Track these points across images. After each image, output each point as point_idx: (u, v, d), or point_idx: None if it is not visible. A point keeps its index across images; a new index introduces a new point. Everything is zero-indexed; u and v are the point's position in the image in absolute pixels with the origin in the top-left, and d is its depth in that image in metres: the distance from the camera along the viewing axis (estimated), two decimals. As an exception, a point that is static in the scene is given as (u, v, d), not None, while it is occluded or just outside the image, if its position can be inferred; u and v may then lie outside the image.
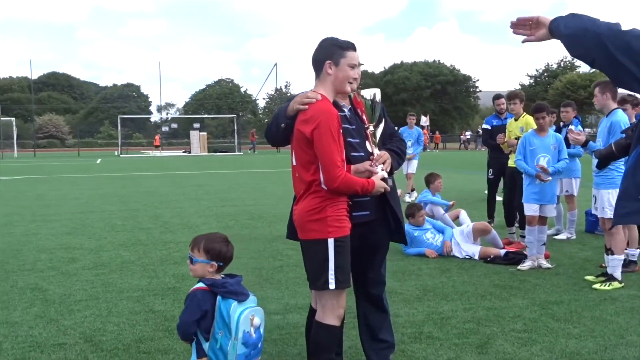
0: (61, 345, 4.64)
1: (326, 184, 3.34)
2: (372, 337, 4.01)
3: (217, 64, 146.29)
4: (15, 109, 79.80)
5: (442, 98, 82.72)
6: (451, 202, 9.63)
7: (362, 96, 3.65)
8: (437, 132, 64.40)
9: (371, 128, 3.69)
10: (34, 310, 5.55)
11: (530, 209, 7.01)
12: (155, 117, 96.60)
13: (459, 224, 8.75)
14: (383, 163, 3.62)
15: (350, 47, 3.48)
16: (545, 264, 7.03)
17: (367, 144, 3.70)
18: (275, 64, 59.94)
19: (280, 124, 3.52)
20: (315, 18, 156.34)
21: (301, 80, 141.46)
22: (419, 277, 6.72)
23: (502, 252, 7.49)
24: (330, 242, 3.36)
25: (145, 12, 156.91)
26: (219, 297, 3.37)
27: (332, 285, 3.37)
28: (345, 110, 3.72)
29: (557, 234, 9.22)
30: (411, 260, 7.55)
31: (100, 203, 14.00)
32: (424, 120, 55.94)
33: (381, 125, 3.76)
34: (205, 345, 3.39)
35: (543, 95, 65.42)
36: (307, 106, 3.39)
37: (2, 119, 51.23)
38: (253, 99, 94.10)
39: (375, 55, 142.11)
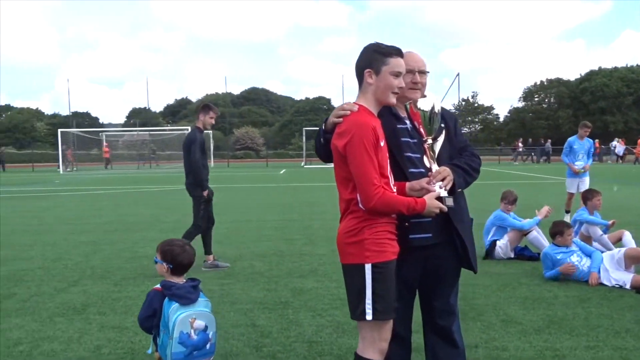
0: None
1: (362, 204, 3.04)
2: (440, 374, 3.60)
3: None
4: (220, 122, 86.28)
5: (648, 106, 75.48)
6: (611, 222, 8.59)
7: (419, 107, 3.29)
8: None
9: (429, 141, 3.31)
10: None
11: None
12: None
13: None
14: (442, 180, 3.24)
15: (394, 53, 3.15)
16: None
17: (425, 159, 3.33)
18: (458, 74, 58.09)
19: (321, 138, 3.28)
20: (509, 23, 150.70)
21: (491, 90, 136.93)
22: (551, 305, 6.02)
23: (659, 282, 6.50)
24: (368, 267, 3.04)
25: (340, 28, 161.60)
26: (166, 299, 3.65)
27: (369, 316, 3.05)
28: (407, 122, 3.40)
29: None
30: (550, 285, 6.82)
31: (260, 212, 14.48)
32: (618, 147, 51.32)
33: (441, 139, 3.36)
34: (157, 341, 3.70)
35: None
36: (341, 119, 3.12)
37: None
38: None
39: (572, 62, 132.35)
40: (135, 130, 62.96)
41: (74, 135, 51.11)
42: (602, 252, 7.39)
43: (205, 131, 8.16)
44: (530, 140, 60.65)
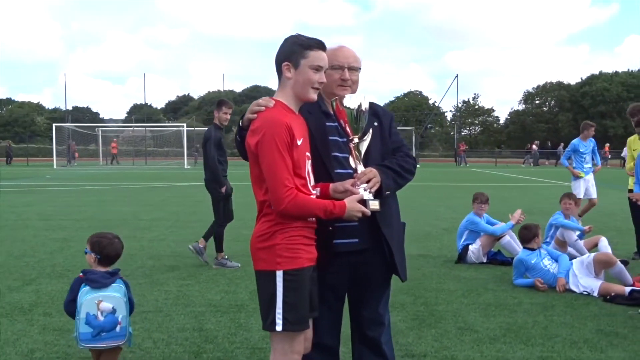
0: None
1: (273, 206, 2.85)
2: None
3: (411, 76, 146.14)
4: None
5: (649, 110, 74.95)
6: (587, 227, 8.39)
7: (345, 105, 3.09)
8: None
9: (355, 140, 3.12)
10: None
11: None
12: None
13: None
14: (368, 182, 3.05)
15: (314, 45, 2.95)
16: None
17: (351, 159, 3.14)
18: (457, 76, 58.03)
19: (237, 136, 3.09)
20: (514, 26, 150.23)
21: (492, 92, 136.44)
22: (512, 313, 5.83)
23: (628, 289, 6.29)
24: (279, 275, 2.85)
25: (346, 27, 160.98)
26: (83, 283, 3.85)
27: (279, 327, 2.86)
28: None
29: None
30: (516, 292, 6.63)
31: (244, 212, 14.23)
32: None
33: (368, 138, 3.17)
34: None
35: None
36: (256, 115, 2.93)
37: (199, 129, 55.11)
38: (442, 111, 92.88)
39: (575, 66, 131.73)
40: (131, 126, 62.74)
41: (69, 130, 50.94)
42: (575, 257, 7.20)
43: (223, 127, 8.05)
44: (549, 143, 59.89)
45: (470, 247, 8.12)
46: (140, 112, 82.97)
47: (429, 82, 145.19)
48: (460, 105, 79.89)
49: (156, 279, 7.20)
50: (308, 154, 3.02)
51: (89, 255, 4.04)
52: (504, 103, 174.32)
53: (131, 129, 61.78)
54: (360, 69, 3.31)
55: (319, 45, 2.96)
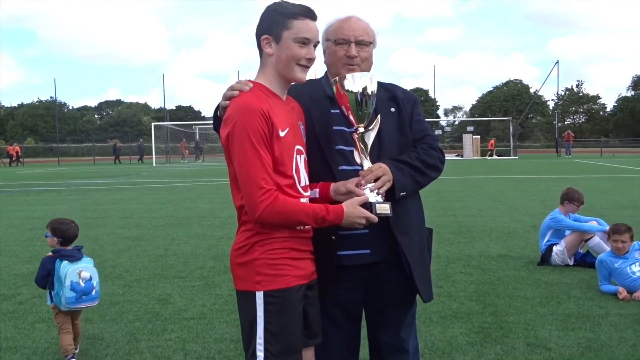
0: None
1: (248, 213, 2.35)
2: None
3: (512, 65, 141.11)
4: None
5: None
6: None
7: (346, 88, 2.54)
8: None
9: (360, 130, 2.56)
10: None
11: None
12: (442, 121, 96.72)
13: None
14: (375, 181, 2.49)
15: (299, 13, 2.41)
16: None
17: (356, 153, 2.59)
18: (557, 62, 54.70)
19: (215, 128, 2.59)
20: (622, 9, 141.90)
21: (598, 79, 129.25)
22: (596, 326, 5.05)
23: None
24: (259, 296, 2.35)
25: (444, 18, 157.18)
26: (57, 260, 4.53)
27: (259, 359, 2.35)
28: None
29: None
30: (604, 300, 5.80)
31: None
32: None
33: (376, 127, 2.60)
34: (52, 294, 4.58)
35: None
36: (229, 101, 2.42)
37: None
38: (543, 100, 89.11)
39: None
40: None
41: (167, 129, 52.47)
42: None
43: None
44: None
45: (555, 247, 7.28)
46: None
47: (531, 70, 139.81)
48: (562, 93, 76.07)
49: (211, 281, 6.87)
50: (300, 147, 2.49)
51: (50, 239, 4.70)
52: (611, 90, 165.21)
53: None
54: (372, 43, 2.74)
55: (306, 12, 2.43)
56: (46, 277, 4.57)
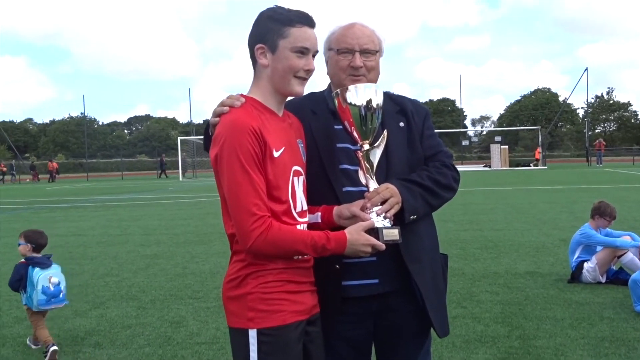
0: None
1: (240, 242, 2.13)
2: None
3: (541, 73, 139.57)
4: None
5: None
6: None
7: (348, 101, 2.31)
8: None
9: (365, 147, 2.33)
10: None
11: None
12: (470, 131, 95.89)
13: None
14: (382, 203, 2.25)
15: (296, 20, 2.20)
16: None
17: (360, 173, 2.36)
18: (586, 69, 53.93)
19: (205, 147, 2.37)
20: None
21: (630, 86, 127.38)
22: (632, 351, 4.74)
23: None
24: (252, 334, 2.13)
25: (471, 27, 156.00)
26: (30, 266, 5.16)
27: None
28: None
29: None
30: (639, 322, 5.46)
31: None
32: None
33: (382, 144, 2.36)
34: (25, 296, 5.20)
35: None
36: (218, 118, 2.21)
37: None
38: (572, 108, 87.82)
39: None
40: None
41: (194, 144, 52.72)
42: None
43: None
44: None
45: (585, 264, 6.93)
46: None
47: (561, 78, 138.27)
48: (592, 100, 74.95)
49: (227, 301, 6.65)
50: (297, 167, 2.27)
51: (23, 246, 5.31)
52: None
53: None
54: (378, 51, 2.51)
55: (304, 19, 2.21)
56: (18, 281, 5.21)
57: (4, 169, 54.33)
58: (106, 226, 14.50)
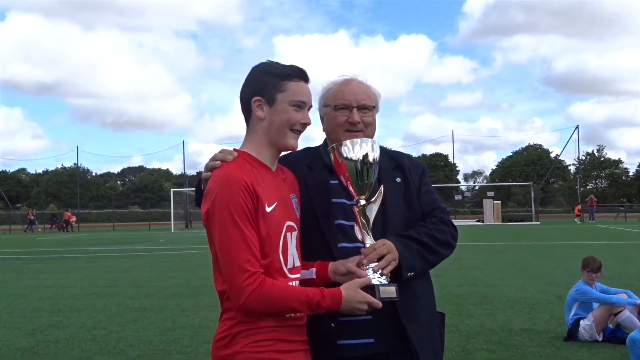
0: None
1: (231, 299, 2.07)
2: None
3: (532, 130, 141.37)
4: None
5: None
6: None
7: (344, 155, 2.28)
8: None
9: (361, 203, 2.30)
10: None
11: None
12: (462, 186, 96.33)
13: None
14: (379, 260, 2.21)
15: (293, 74, 2.20)
16: None
17: (356, 229, 2.31)
18: (577, 126, 54.79)
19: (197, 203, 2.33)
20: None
21: (621, 143, 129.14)
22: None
23: None
24: None
25: (463, 85, 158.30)
26: None
27: None
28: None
29: None
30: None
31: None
32: None
33: (378, 200, 2.33)
34: None
35: None
36: (210, 173, 2.18)
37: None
38: (564, 164, 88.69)
39: None
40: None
41: (187, 195, 52.66)
42: None
43: None
44: None
45: (582, 322, 6.84)
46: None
47: (552, 135, 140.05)
48: (583, 157, 75.69)
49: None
50: (291, 223, 2.23)
51: None
52: (633, 154, 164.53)
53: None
54: (375, 107, 2.50)
55: (300, 74, 2.21)
56: None
57: (32, 217, 53.31)
58: (96, 277, 14.30)
